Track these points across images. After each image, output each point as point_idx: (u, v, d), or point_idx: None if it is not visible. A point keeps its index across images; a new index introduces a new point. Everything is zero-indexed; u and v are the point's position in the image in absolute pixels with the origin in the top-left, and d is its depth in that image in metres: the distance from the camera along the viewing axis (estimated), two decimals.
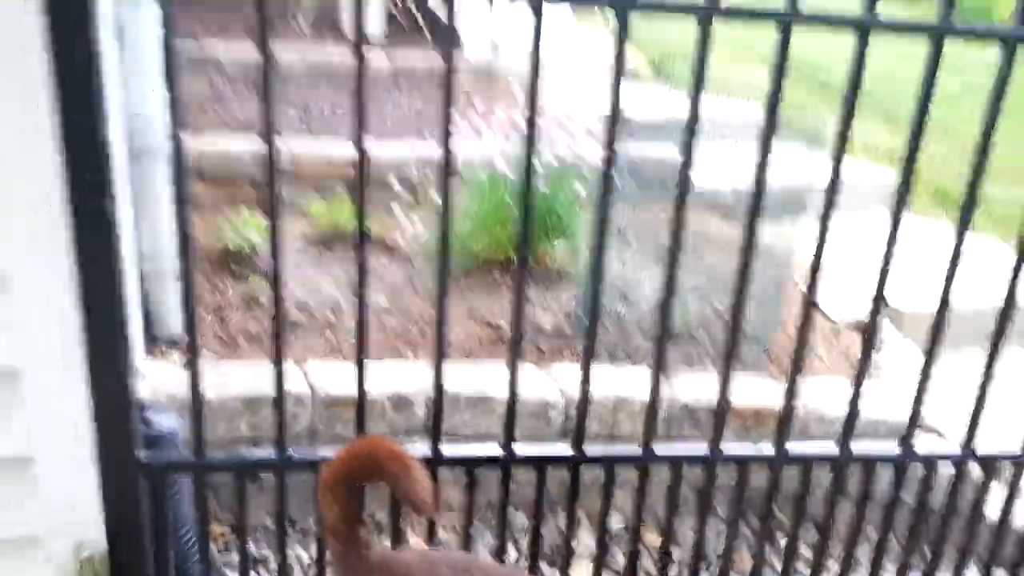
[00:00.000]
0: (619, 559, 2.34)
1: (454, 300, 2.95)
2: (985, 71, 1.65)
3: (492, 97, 5.07)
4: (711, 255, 3.34)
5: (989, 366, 1.86)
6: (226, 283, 2.90)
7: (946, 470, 2.01)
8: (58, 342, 1.42)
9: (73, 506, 1.55)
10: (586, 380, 1.70)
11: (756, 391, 2.55)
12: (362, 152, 1.49)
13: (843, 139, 1.61)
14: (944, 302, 1.78)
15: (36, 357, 1.43)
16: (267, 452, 1.64)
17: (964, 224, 1.73)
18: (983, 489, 2.01)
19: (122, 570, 1.59)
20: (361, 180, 1.52)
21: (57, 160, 1.31)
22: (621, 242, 3.19)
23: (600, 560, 1.88)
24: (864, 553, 2.24)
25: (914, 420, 1.87)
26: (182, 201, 1.48)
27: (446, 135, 1.49)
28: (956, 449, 1.96)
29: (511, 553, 2.30)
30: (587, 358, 1.69)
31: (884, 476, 1.95)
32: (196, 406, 1.59)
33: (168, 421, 1.78)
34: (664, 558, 1.91)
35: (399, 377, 2.33)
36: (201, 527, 1.67)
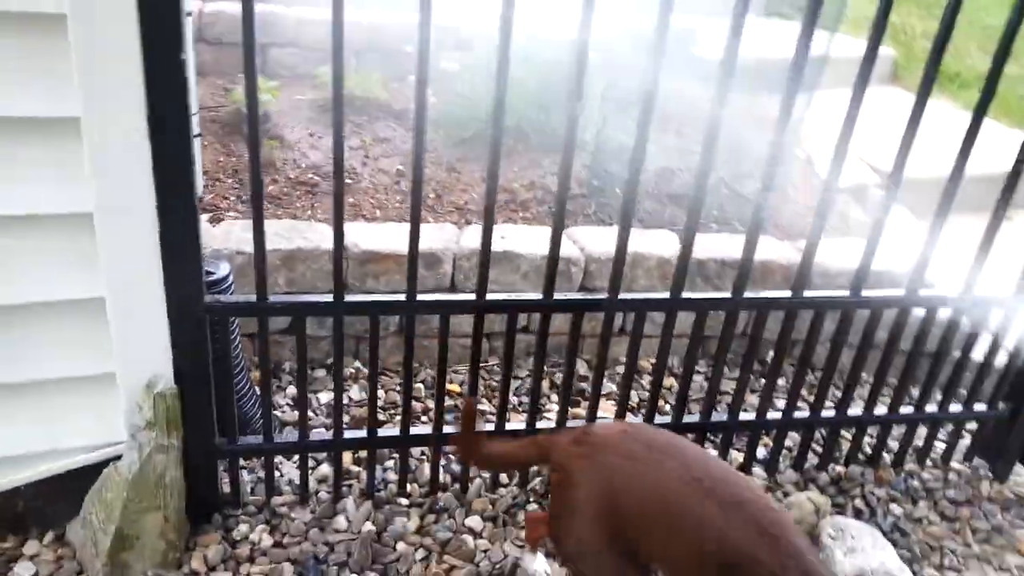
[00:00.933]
0: (633, 397, 2.50)
1: (468, 165, 3.02)
2: None
3: None
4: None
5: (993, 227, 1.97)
6: (240, 147, 2.92)
7: (944, 315, 2.15)
8: (129, 188, 1.48)
9: (145, 346, 1.64)
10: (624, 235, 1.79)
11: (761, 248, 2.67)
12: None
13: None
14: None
15: (110, 202, 1.49)
16: (324, 297, 1.73)
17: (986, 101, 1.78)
18: (972, 333, 2.18)
19: (190, 404, 1.71)
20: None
21: None
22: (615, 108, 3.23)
23: (624, 395, 2.04)
24: (864, 389, 2.44)
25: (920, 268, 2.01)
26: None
27: None
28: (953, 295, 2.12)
29: (545, 386, 2.46)
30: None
31: (888, 319, 2.10)
32: (259, 252, 1.66)
33: (223, 268, 1.85)
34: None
35: (425, 236, 2.41)
36: (263, 367, 1.78)
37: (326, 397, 2.28)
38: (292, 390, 2.28)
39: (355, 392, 2.32)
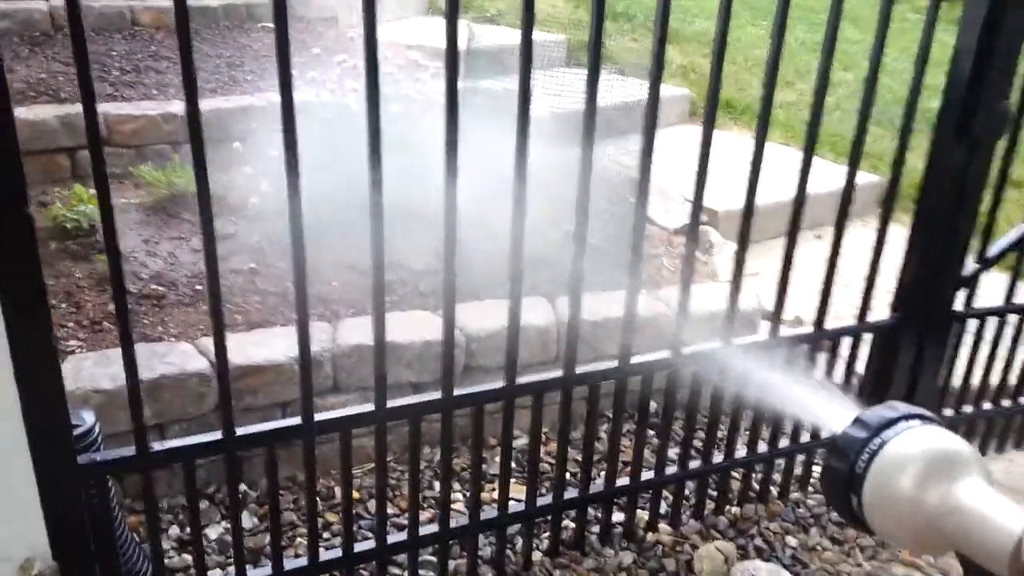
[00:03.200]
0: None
1: (322, 252, 2.91)
2: None
3: (302, 34, 4.87)
4: (551, 180, 3.49)
5: (790, 249, 2.11)
6: (69, 266, 2.67)
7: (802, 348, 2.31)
8: None
9: (16, 523, 1.44)
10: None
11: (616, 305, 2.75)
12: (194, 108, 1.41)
13: (659, 64, 1.74)
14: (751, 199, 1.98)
15: None
16: (212, 435, 1.60)
17: (763, 130, 1.94)
18: (831, 361, 2.36)
19: None
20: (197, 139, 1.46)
21: None
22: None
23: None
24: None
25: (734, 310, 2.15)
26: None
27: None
28: (809, 329, 2.28)
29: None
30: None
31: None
32: (134, 400, 1.51)
33: (87, 417, 1.67)
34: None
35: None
36: (151, 524, 1.61)
37: (214, 532, 2.09)
38: (174, 530, 2.08)
39: (245, 520, 2.15)
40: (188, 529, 1.87)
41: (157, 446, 1.57)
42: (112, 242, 1.40)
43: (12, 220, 1.27)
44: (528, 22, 1.56)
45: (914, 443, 0.75)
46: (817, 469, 2.55)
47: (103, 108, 3.37)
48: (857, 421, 0.79)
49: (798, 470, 2.48)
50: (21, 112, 3.20)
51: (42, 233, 2.72)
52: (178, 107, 3.48)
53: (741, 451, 2.33)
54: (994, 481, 0.73)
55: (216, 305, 1.51)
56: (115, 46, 4.33)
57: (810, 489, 2.52)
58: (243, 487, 2.24)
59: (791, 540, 2.32)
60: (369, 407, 1.73)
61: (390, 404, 1.74)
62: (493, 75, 3.33)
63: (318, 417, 1.67)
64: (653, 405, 2.64)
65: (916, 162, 2.28)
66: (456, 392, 1.81)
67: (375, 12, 1.44)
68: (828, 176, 4.22)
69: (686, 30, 6.64)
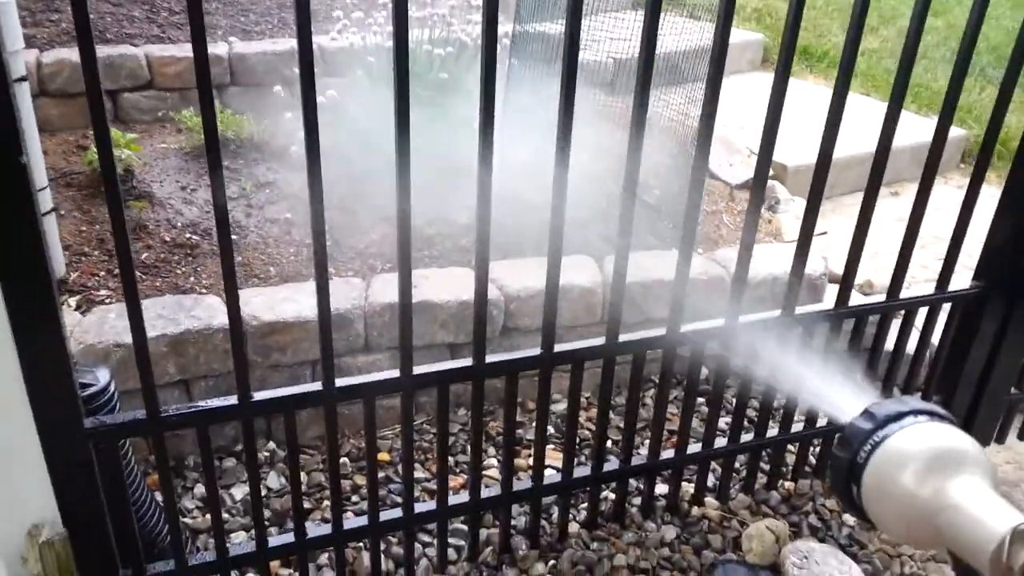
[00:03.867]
0: None
1: (363, 202, 2.81)
2: None
3: None
4: (607, 132, 3.30)
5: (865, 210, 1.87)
6: (103, 211, 2.61)
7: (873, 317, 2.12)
8: None
9: (21, 491, 1.39)
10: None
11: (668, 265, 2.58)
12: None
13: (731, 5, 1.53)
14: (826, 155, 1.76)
15: None
16: (227, 400, 1.51)
17: (845, 80, 1.70)
18: (904, 329, 2.16)
19: (84, 547, 1.46)
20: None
21: None
22: (516, 125, 3.09)
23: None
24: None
25: (845, 278, 1.95)
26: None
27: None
28: (881, 297, 2.09)
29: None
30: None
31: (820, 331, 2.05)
32: (143, 362, 1.43)
33: (101, 376, 1.60)
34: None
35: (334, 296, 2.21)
36: (165, 490, 1.54)
37: (240, 492, 2.04)
38: (199, 489, 2.03)
39: (272, 480, 2.09)
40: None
41: (171, 409, 1.49)
42: (114, 190, 1.29)
43: (6, 170, 1.17)
44: None
45: (917, 439, 0.76)
46: None
47: (146, 49, 3.30)
48: (866, 412, 0.80)
49: None
50: (65, 53, 3.15)
51: (79, 178, 2.68)
52: (223, 49, 3.39)
53: (798, 424, 2.16)
54: (997, 482, 0.74)
55: (229, 265, 1.41)
56: None
57: None
58: (272, 445, 2.17)
59: (848, 519, 2.16)
60: (395, 373, 1.62)
61: (417, 370, 1.63)
62: (550, 17, 3.14)
63: (340, 383, 1.57)
64: (704, 372, 2.50)
65: (1009, 118, 2.04)
66: (489, 359, 1.68)
67: None
68: (909, 128, 3.93)
69: None
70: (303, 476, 2.08)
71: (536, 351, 1.73)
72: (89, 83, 1.21)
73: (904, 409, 0.78)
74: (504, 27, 3.16)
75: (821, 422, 2.18)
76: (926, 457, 0.74)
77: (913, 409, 0.79)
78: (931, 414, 0.79)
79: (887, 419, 0.78)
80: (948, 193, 3.78)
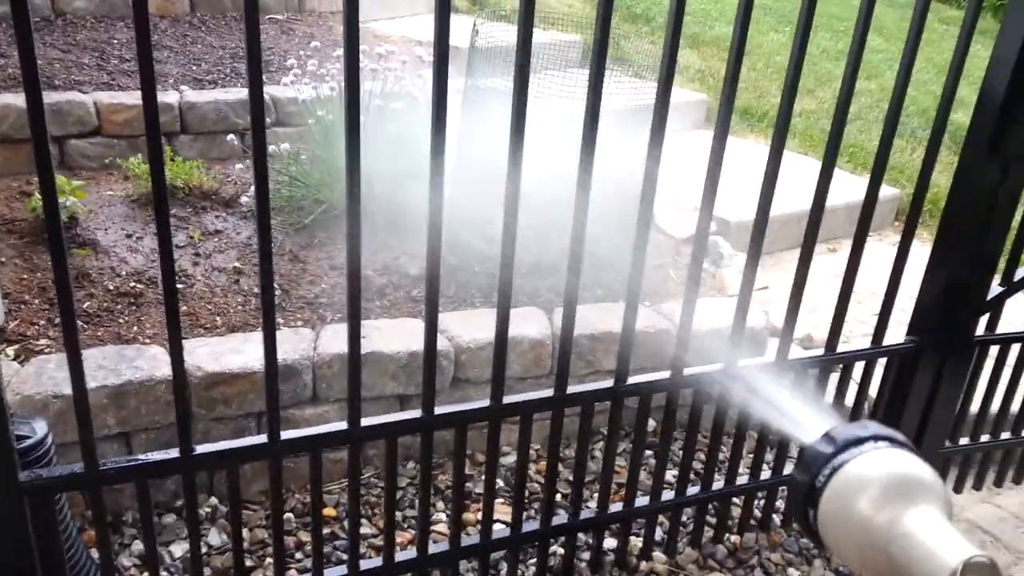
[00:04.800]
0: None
1: (312, 252, 2.80)
2: None
3: (308, 28, 4.77)
4: (558, 185, 3.36)
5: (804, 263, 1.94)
6: (46, 259, 2.56)
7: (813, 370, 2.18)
8: None
9: None
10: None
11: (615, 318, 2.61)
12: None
13: (671, 66, 1.59)
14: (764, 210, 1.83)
15: None
16: (168, 453, 1.48)
17: (781, 137, 1.79)
18: (842, 384, 2.22)
19: None
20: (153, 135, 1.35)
21: None
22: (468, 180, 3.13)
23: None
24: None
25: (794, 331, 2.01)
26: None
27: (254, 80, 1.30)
28: (820, 351, 2.15)
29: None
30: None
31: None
32: (83, 415, 1.39)
33: (38, 428, 1.56)
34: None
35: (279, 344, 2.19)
36: (103, 548, 1.49)
37: (180, 550, 1.97)
38: (137, 546, 1.97)
39: (213, 536, 2.03)
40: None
41: (110, 462, 1.45)
42: (58, 243, 1.28)
43: None
44: (528, 15, 1.43)
45: (876, 465, 0.75)
46: None
47: (96, 96, 3.28)
48: (826, 436, 0.79)
49: None
50: (10, 98, 3.11)
51: (21, 224, 2.63)
52: (173, 97, 3.38)
53: (743, 477, 2.20)
54: (952, 514, 0.74)
55: (173, 317, 1.39)
56: (117, 34, 4.23)
57: None
58: (213, 500, 2.12)
59: (793, 572, 2.18)
60: (342, 425, 1.61)
61: (366, 422, 1.62)
62: (499, 73, 3.21)
63: (286, 435, 1.55)
64: (651, 424, 2.53)
65: (937, 177, 2.14)
66: (438, 410, 1.68)
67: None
68: (845, 187, 4.08)
69: (706, 34, 6.50)
70: (245, 532, 2.03)
71: (486, 402, 1.74)
72: (35, 129, 1.20)
73: (864, 434, 0.78)
74: (456, 81, 3.23)
75: (765, 474, 2.22)
76: (885, 484, 0.74)
77: (874, 434, 0.78)
78: (891, 440, 0.78)
79: (848, 443, 0.77)
80: (883, 250, 3.92)
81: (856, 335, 3.15)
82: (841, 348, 2.12)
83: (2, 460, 1.33)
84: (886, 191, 4.35)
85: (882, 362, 2.24)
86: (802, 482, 0.79)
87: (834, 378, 2.24)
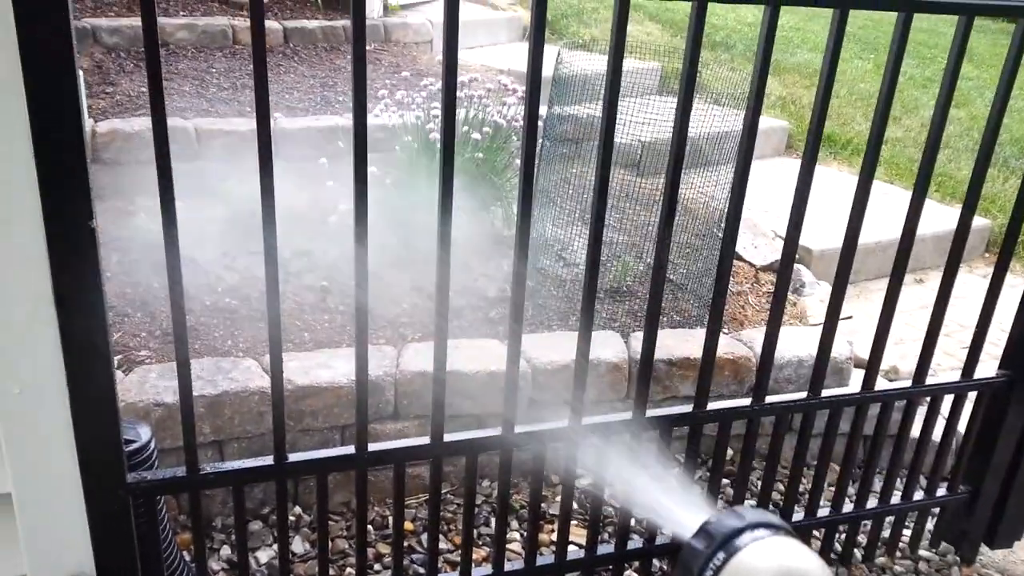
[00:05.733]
0: None
1: (393, 273, 2.89)
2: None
3: (394, 57, 4.93)
4: (633, 210, 3.38)
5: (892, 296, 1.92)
6: (148, 275, 2.71)
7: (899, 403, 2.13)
8: (35, 364, 1.29)
9: (62, 541, 1.42)
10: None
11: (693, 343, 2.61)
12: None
13: (760, 95, 1.59)
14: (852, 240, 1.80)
15: (12, 386, 1.29)
16: (263, 460, 1.55)
17: (871, 164, 1.76)
18: (930, 416, 2.17)
19: None
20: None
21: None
22: (546, 203, 3.18)
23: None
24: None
25: (871, 365, 1.98)
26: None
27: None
28: (907, 383, 2.10)
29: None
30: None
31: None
32: (187, 419, 1.48)
33: (143, 433, 1.65)
34: None
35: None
36: (198, 548, 1.57)
37: (265, 556, 2.05)
38: (225, 551, 2.05)
39: (296, 545, 2.10)
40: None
41: (209, 468, 1.53)
42: (174, 261, 1.37)
43: (77, 234, 1.25)
44: (619, 44, 1.46)
45: (759, 558, 0.72)
46: (907, 533, 2.35)
47: (195, 122, 3.46)
48: (702, 531, 0.76)
49: (885, 532, 2.29)
50: (118, 123, 3.31)
51: (125, 243, 2.78)
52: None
53: (824, 509, 2.16)
54: None
55: (275, 332, 1.47)
56: (215, 63, 4.46)
57: (898, 555, 2.31)
58: (297, 510, 2.20)
59: None
60: (425, 440, 1.66)
61: (447, 438, 1.66)
62: (580, 101, 3.27)
63: (372, 447, 1.61)
64: (729, 452, 2.51)
65: None
66: (518, 429, 1.72)
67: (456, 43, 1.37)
68: (934, 217, 3.98)
69: (787, 61, 6.45)
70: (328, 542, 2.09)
71: (564, 422, 1.76)
72: (158, 149, 1.30)
73: (741, 524, 0.75)
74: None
75: (847, 507, 2.17)
76: None
77: (750, 523, 0.76)
78: (768, 526, 0.76)
79: (726, 537, 0.75)
80: (973, 282, 3.80)
81: (944, 369, 3.06)
82: (929, 381, 2.07)
83: (112, 462, 1.41)
84: (977, 221, 4.22)
85: (972, 396, 2.18)
86: None
87: (921, 411, 2.19)
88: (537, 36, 1.39)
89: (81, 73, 2.07)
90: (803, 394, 1.96)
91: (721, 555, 0.73)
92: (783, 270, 1.81)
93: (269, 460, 1.55)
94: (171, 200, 1.34)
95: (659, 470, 1.92)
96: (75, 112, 1.19)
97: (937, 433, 2.22)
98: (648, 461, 2.39)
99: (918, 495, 2.25)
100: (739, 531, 0.75)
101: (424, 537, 2.14)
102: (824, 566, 0.73)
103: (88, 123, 3.24)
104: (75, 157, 1.20)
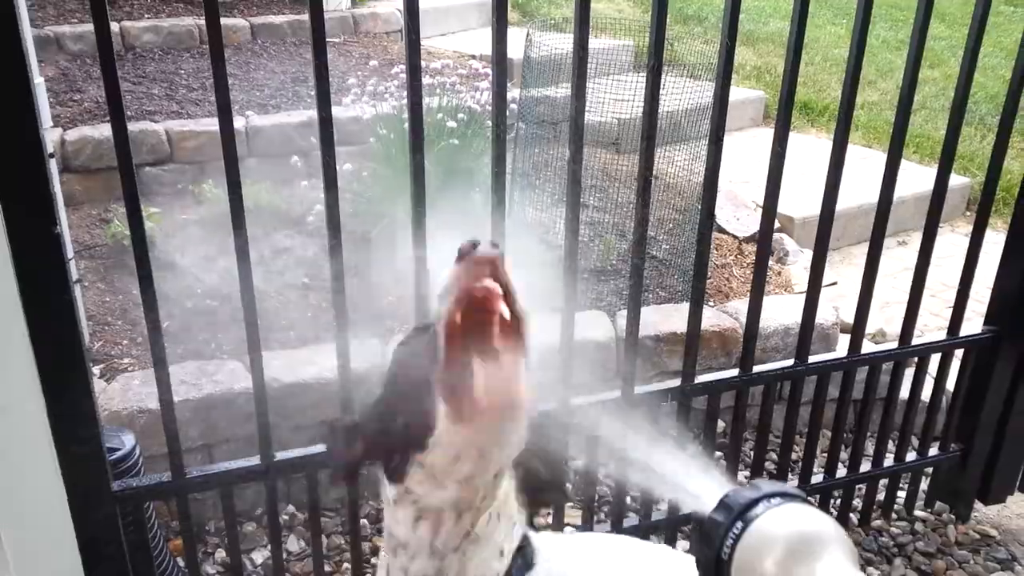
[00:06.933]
0: None
1: (377, 267, 2.86)
2: None
3: (364, 48, 4.88)
4: (614, 189, 3.36)
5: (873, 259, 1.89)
6: (127, 282, 2.68)
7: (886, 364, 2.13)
8: (6, 375, 1.27)
9: (49, 554, 1.40)
10: None
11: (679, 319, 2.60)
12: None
13: (728, 66, 1.60)
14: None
15: None
16: (250, 461, 1.54)
17: (844, 127, 1.78)
18: (918, 376, 2.17)
19: None
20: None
21: None
22: (526, 186, 3.17)
23: None
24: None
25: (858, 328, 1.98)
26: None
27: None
28: (893, 344, 2.11)
29: None
30: None
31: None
32: (169, 424, 1.46)
33: (127, 440, 1.63)
34: None
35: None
36: (189, 551, 1.56)
37: (260, 557, 2.04)
38: (220, 554, 2.04)
39: (292, 543, 2.09)
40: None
41: (195, 471, 1.52)
42: (145, 268, 1.35)
43: (43, 239, 1.23)
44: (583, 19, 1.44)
45: (775, 524, 0.76)
46: (902, 495, 2.35)
47: (166, 125, 3.41)
48: (721, 504, 0.80)
49: (880, 495, 2.29)
50: (87, 131, 3.26)
51: (102, 250, 2.75)
52: (240, 123, 3.50)
53: (818, 476, 2.16)
54: (857, 558, 0.75)
55: (253, 333, 1.45)
56: (183, 64, 4.40)
57: (894, 516, 2.32)
58: (291, 508, 2.18)
59: (873, 572, 2.13)
60: None
61: None
62: (553, 82, 3.24)
63: None
64: (721, 424, 2.51)
65: (1009, 163, 2.08)
66: None
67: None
68: (913, 179, 3.98)
69: (760, 31, 6.43)
70: (323, 539, 2.08)
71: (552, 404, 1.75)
72: (121, 158, 1.27)
73: (757, 495, 0.78)
74: (511, 93, 3.26)
75: (840, 472, 2.17)
76: (788, 543, 0.74)
77: (765, 493, 0.78)
78: (783, 495, 0.79)
79: (743, 507, 0.78)
80: (956, 241, 3.81)
81: (931, 329, 3.07)
82: (916, 341, 2.07)
83: (96, 471, 1.39)
84: (956, 180, 4.22)
85: (959, 355, 2.18)
86: (708, 556, 0.79)
87: (909, 373, 2.19)
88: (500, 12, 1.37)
89: (43, 80, 2.04)
90: (790, 361, 1.96)
91: (739, 524, 0.77)
92: (763, 240, 1.80)
93: (256, 460, 1.53)
94: (138, 207, 1.32)
95: (649, 447, 1.91)
96: (32, 118, 1.17)
97: (926, 394, 2.23)
98: (638, 440, 2.39)
99: (910, 456, 2.26)
100: (755, 501, 0.78)
101: None
102: (837, 526, 0.75)
103: (57, 132, 3.20)
104: (34, 164, 1.18)
